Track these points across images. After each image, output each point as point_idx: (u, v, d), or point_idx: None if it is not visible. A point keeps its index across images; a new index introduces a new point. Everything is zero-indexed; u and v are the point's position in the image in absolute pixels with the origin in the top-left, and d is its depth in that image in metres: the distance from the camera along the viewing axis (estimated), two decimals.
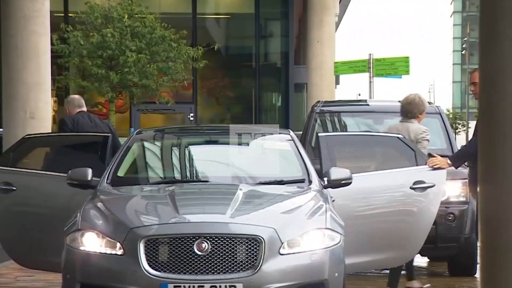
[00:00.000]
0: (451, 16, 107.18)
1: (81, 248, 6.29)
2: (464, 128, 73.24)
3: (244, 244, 6.09)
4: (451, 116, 78.00)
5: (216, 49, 21.93)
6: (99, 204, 6.65)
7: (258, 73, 26.19)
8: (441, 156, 8.89)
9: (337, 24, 30.49)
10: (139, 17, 19.76)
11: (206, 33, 26.16)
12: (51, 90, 14.32)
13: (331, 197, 7.15)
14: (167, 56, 19.63)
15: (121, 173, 7.38)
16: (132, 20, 19.58)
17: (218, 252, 6.06)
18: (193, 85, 24.94)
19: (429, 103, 11.37)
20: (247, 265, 6.07)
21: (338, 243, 6.39)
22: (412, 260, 8.35)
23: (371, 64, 20.22)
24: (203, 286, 6.00)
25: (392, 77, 21.55)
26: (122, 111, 24.19)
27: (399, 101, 11.29)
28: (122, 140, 16.04)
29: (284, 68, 26.12)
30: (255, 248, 6.10)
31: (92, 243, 6.25)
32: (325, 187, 7.29)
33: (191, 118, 25.00)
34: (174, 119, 25.57)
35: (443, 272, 10.37)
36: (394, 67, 20.45)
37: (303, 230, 6.28)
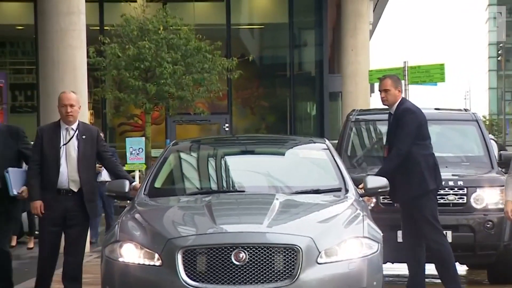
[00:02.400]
0: (486, 23, 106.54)
1: (120, 259, 6.32)
2: (501, 135, 72.60)
3: (282, 253, 6.09)
4: (487, 123, 77.37)
5: (251, 60, 21.95)
6: (137, 216, 6.69)
7: (293, 82, 26.17)
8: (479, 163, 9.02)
9: (371, 32, 30.39)
10: (174, 29, 19.86)
11: (241, 44, 26.21)
12: (88, 102, 14.42)
13: (368, 205, 7.13)
14: (202, 67, 19.70)
15: (158, 184, 7.42)
16: (167, 32, 19.69)
17: (256, 262, 6.06)
18: (228, 96, 24.99)
19: (465, 110, 11.30)
20: (285, 274, 6.07)
21: (376, 251, 6.36)
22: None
23: (406, 71, 20.14)
24: None
25: (428, 85, 21.41)
26: (157, 123, 24.30)
27: (435, 109, 11.24)
28: (158, 152, 16.08)
29: (318, 77, 26.07)
30: (293, 257, 6.09)
31: (131, 254, 6.28)
32: (362, 195, 7.27)
33: (227, 129, 25.04)
34: (209, 130, 25.63)
35: (482, 280, 10.27)
36: (429, 75, 20.34)
37: (341, 239, 6.27)
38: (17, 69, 25.81)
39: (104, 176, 14.31)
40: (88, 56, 14.49)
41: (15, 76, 25.68)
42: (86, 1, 13.60)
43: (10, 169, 7.83)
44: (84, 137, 7.85)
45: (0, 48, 25.09)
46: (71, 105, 7.86)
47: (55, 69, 13.43)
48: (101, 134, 8.42)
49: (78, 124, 7.93)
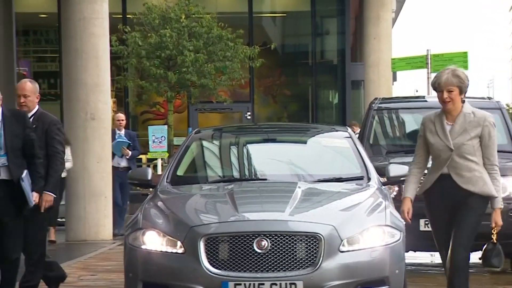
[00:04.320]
0: (510, 10, 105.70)
1: (143, 247, 6.34)
2: None
3: (304, 241, 6.09)
4: (511, 111, 76.98)
5: (273, 48, 21.90)
6: (160, 203, 6.71)
7: (315, 71, 26.11)
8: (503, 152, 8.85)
9: (394, 20, 30.24)
10: (196, 17, 19.85)
11: (263, 32, 26.15)
12: (110, 91, 14.46)
13: (390, 193, 7.12)
14: (224, 56, 19.69)
15: (180, 172, 7.44)
16: (189, 20, 19.69)
17: (278, 250, 6.06)
18: (250, 84, 24.96)
19: (489, 98, 11.23)
20: (307, 262, 6.07)
21: (398, 240, 6.35)
22: None
23: (429, 60, 20.07)
24: (263, 284, 6.01)
25: None
26: (180, 111, 24.31)
27: None
28: (181, 140, 16.04)
29: (340, 65, 26.00)
30: (315, 245, 6.09)
31: (153, 241, 6.31)
32: (384, 184, 7.25)
33: (248, 117, 25.03)
34: (231, 118, 25.63)
35: (505, 269, 10.24)
36: (452, 63, 20.23)
37: (363, 227, 6.26)
38: (41, 57, 25.89)
39: (123, 162, 14.23)
40: (110, 45, 14.52)
41: (38, 64, 25.76)
42: None
43: (24, 176, 7.05)
44: (34, 126, 7.56)
45: (23, 37, 25.18)
46: (25, 95, 7.61)
47: (78, 57, 13.49)
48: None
49: (35, 113, 7.64)
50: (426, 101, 11.76)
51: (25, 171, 7.06)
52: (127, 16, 23.63)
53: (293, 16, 26.83)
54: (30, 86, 7.70)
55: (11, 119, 7.15)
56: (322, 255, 6.06)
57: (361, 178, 7.18)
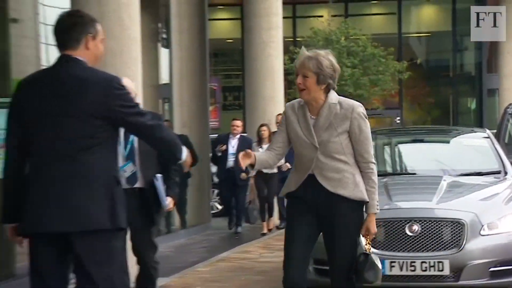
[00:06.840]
0: None
1: None
2: None
3: (449, 226, 5.96)
4: None
5: (419, 63, 21.52)
6: None
7: (455, 81, 25.46)
8: None
9: None
10: (353, 38, 19.80)
11: (410, 49, 25.75)
12: (284, 102, 14.63)
13: None
14: (377, 70, 19.53)
15: None
16: (348, 41, 19.66)
17: (427, 233, 5.96)
18: (399, 94, 24.63)
19: None
20: (452, 244, 5.93)
21: None
22: None
23: None
24: (414, 262, 5.91)
25: None
26: None
27: None
28: None
29: (477, 76, 25.21)
30: (459, 230, 5.94)
31: None
32: None
33: (398, 121, 24.69)
34: (383, 122, 25.36)
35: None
36: None
37: (501, 214, 6.07)
38: (228, 75, 26.55)
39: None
40: (283, 63, 14.70)
41: (225, 80, 26.44)
42: (283, 18, 13.82)
43: (159, 175, 5.43)
44: None
45: (214, 58, 25.89)
46: None
47: (258, 74, 13.74)
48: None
49: None
50: None
51: (159, 175, 5.43)
52: (297, 39, 23.84)
53: (437, 35, 26.25)
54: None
55: None
56: (465, 238, 5.90)
57: (498, 172, 6.97)
